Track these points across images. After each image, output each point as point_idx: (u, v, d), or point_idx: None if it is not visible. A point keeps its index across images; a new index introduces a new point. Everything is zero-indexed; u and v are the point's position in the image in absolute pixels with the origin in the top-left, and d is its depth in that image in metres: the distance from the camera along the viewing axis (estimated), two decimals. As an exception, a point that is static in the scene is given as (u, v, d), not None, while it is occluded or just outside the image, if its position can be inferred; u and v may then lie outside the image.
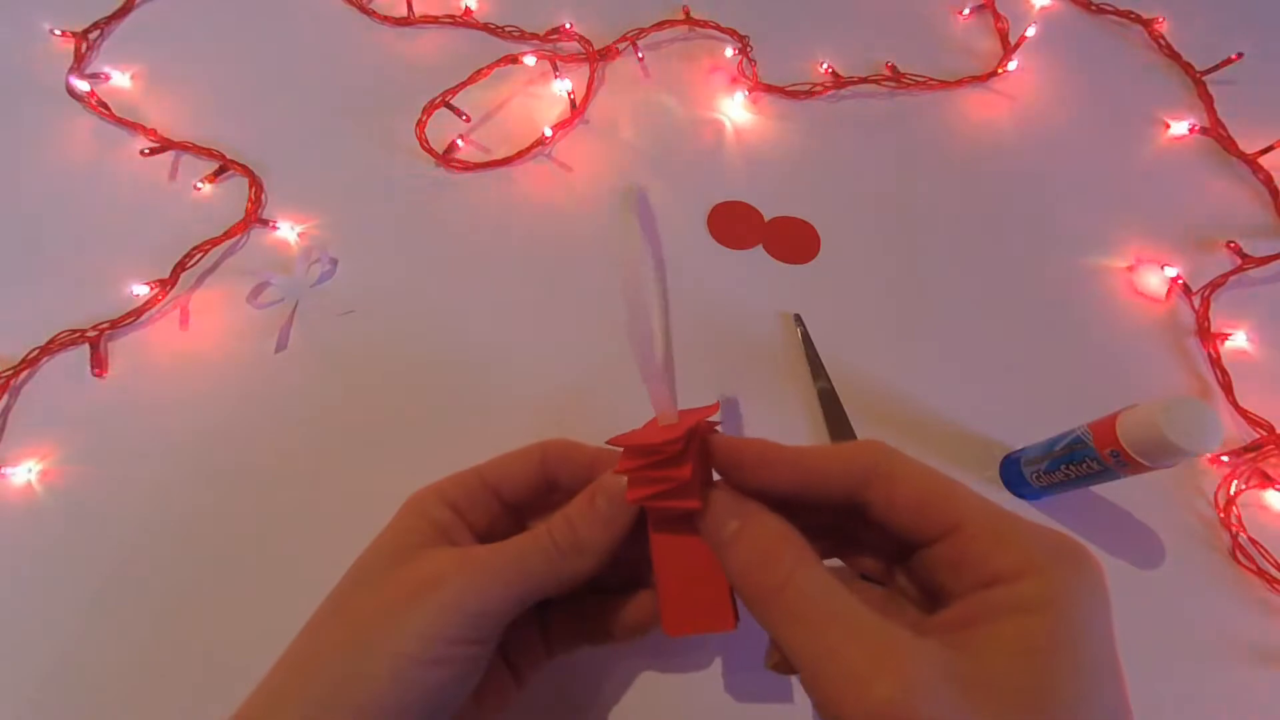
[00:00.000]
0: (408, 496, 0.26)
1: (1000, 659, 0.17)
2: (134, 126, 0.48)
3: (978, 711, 0.16)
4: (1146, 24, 0.58)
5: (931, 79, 0.54)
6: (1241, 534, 0.37)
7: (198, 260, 0.43)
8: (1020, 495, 0.38)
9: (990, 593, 0.19)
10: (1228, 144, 0.52)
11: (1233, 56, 0.54)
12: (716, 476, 0.24)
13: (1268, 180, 0.50)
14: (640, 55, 0.54)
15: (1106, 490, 0.37)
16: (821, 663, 0.18)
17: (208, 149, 0.47)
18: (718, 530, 0.22)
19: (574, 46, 0.54)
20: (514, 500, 0.27)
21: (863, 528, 0.23)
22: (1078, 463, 0.33)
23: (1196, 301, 0.44)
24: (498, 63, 0.52)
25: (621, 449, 0.24)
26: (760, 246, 0.46)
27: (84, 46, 0.51)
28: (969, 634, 0.18)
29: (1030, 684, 0.17)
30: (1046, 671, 0.17)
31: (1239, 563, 0.36)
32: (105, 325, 0.40)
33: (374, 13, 0.55)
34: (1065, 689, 0.17)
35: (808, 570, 0.19)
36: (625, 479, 0.24)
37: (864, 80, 0.53)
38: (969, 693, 0.16)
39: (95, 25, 0.53)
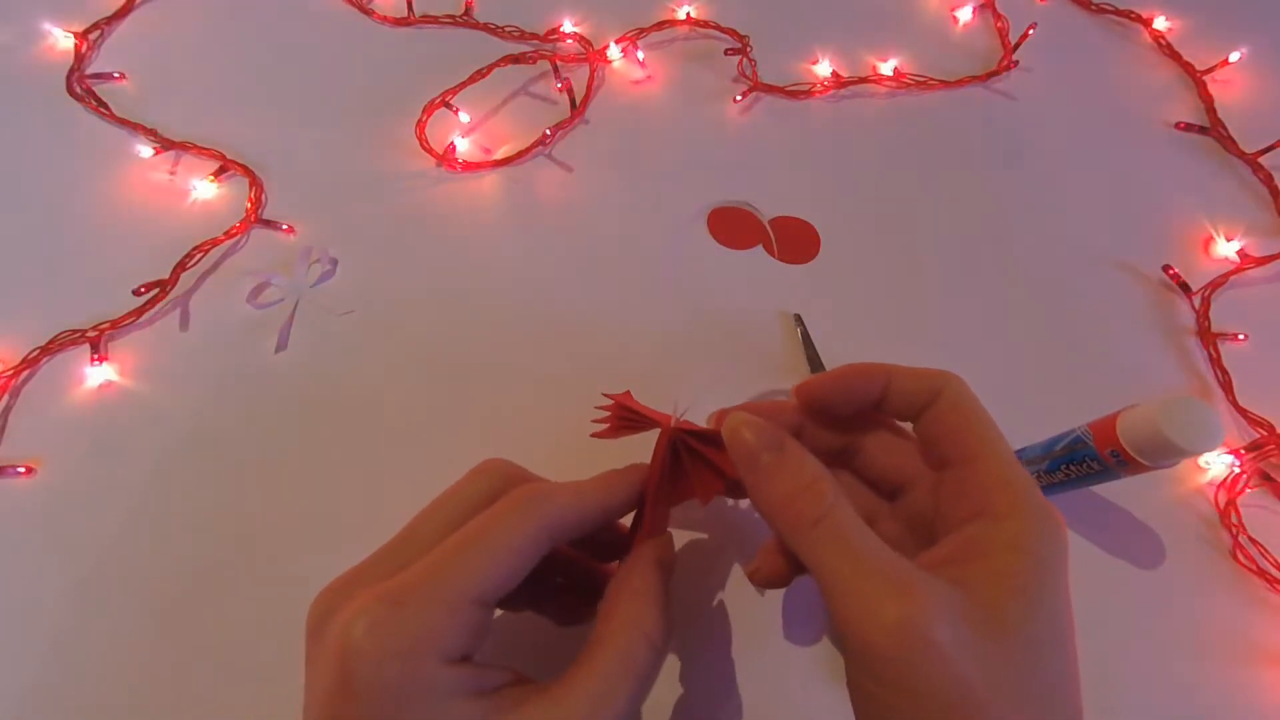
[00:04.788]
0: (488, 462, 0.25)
1: (990, 592, 0.20)
2: (134, 126, 0.48)
3: (972, 636, 0.19)
4: (1146, 24, 0.58)
5: (931, 79, 0.54)
6: (1241, 534, 0.37)
7: (198, 260, 0.43)
8: (1020, 495, 0.38)
9: (982, 526, 0.22)
10: (1228, 144, 0.52)
11: (1232, 56, 0.54)
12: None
13: (1268, 180, 0.50)
14: (640, 55, 0.54)
15: (1106, 490, 0.37)
16: (849, 585, 0.20)
17: (208, 149, 0.47)
18: (755, 460, 0.23)
19: (574, 46, 0.54)
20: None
21: (881, 453, 0.27)
22: (1078, 463, 0.33)
23: (1196, 301, 0.44)
24: (498, 63, 0.52)
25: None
26: (760, 246, 0.46)
27: (84, 46, 0.51)
28: (964, 569, 0.21)
29: (1014, 615, 0.19)
30: (1028, 604, 0.20)
31: (1239, 563, 0.36)
32: (105, 325, 0.40)
33: (374, 13, 0.55)
34: (1043, 622, 0.20)
35: (844, 506, 0.22)
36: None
37: (864, 80, 0.53)
38: (966, 620, 0.19)
39: (95, 25, 0.53)
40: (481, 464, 0.25)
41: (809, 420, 0.27)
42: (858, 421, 0.27)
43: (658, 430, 0.27)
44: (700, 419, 0.28)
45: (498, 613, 0.30)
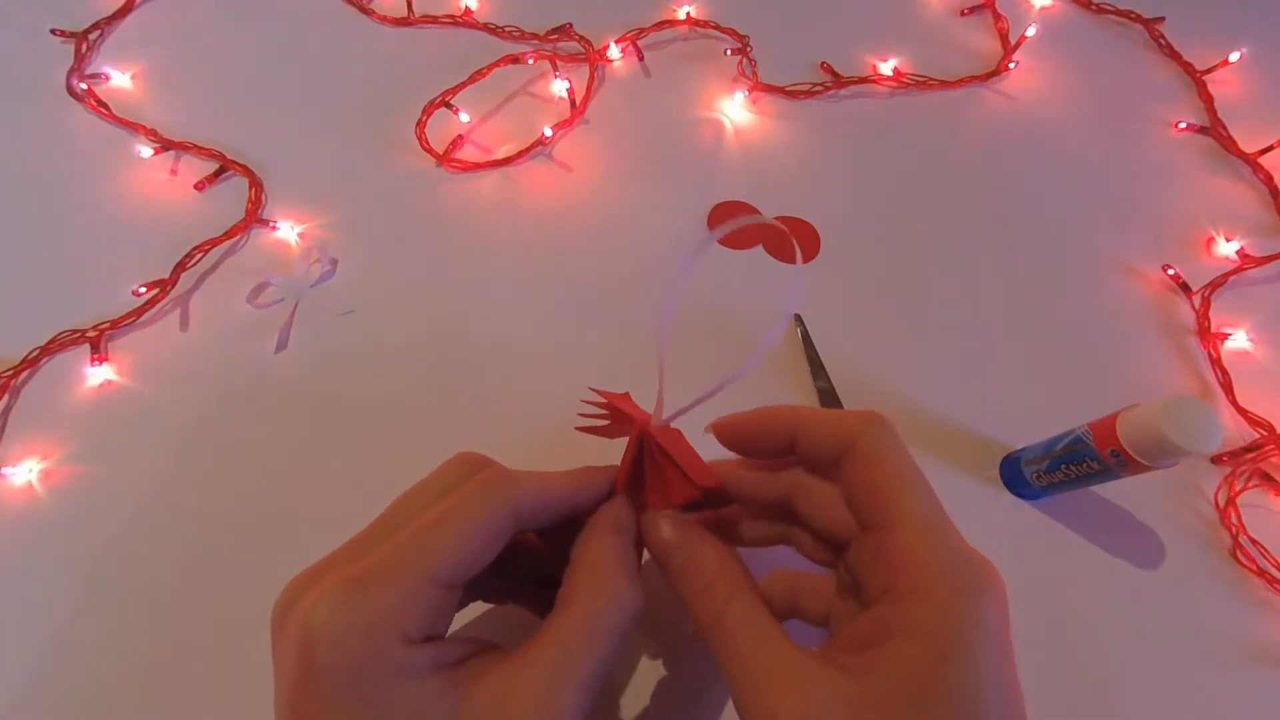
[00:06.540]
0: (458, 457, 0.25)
1: (885, 685, 0.19)
2: (134, 126, 0.48)
3: None
4: (1146, 24, 0.58)
5: (931, 79, 0.54)
6: (1241, 534, 0.37)
7: (198, 260, 0.43)
8: (1021, 495, 0.38)
9: (887, 607, 0.20)
10: (1228, 144, 0.52)
11: (1232, 56, 0.54)
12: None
13: (1268, 180, 0.50)
14: (640, 55, 0.54)
15: (1106, 490, 0.37)
16: (743, 682, 0.21)
17: (208, 149, 0.47)
18: (666, 560, 0.25)
19: (574, 46, 0.54)
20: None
21: (818, 508, 0.25)
22: (1078, 463, 0.33)
23: (1196, 301, 0.44)
24: (498, 63, 0.52)
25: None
26: (760, 246, 0.46)
27: (84, 46, 0.51)
28: (864, 658, 0.20)
29: (905, 709, 0.18)
30: (923, 700, 0.18)
31: (1239, 563, 0.36)
32: (105, 325, 0.40)
33: (374, 13, 0.55)
34: (943, 713, 0.18)
35: (739, 602, 0.22)
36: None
37: (864, 80, 0.53)
38: (856, 716, 0.19)
39: (95, 25, 0.53)
40: (453, 456, 0.25)
41: (741, 471, 0.26)
42: (793, 470, 0.25)
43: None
44: (694, 419, 0.28)
45: (486, 607, 0.31)
